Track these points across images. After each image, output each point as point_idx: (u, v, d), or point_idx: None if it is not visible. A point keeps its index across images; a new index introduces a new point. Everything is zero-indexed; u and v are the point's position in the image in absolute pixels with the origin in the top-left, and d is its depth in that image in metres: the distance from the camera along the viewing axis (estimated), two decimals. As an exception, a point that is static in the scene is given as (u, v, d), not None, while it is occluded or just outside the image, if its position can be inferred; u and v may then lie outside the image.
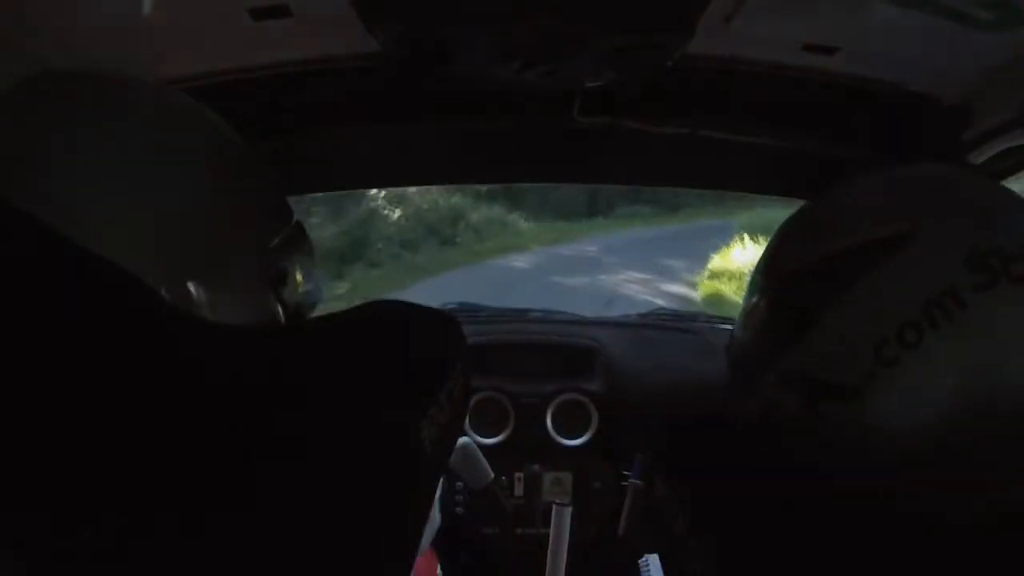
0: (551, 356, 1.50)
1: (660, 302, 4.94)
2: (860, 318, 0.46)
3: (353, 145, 1.16)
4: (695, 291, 7.37)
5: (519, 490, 1.39)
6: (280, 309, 0.54)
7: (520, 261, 8.53)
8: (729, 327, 1.70)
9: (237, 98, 0.91)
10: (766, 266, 0.55)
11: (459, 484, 1.36)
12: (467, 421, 1.39)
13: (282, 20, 0.77)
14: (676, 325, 1.73)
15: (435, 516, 0.82)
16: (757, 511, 0.43)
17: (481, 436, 1.38)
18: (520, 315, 1.75)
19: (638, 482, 1.33)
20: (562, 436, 1.41)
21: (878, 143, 1.04)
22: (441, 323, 0.55)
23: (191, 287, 0.46)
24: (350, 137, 1.11)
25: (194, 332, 0.43)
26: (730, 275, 7.15)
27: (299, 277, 0.56)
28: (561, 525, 1.06)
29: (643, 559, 1.23)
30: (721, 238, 8.01)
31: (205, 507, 0.34)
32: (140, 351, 0.38)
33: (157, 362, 0.38)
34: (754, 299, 0.55)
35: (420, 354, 0.50)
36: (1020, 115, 0.81)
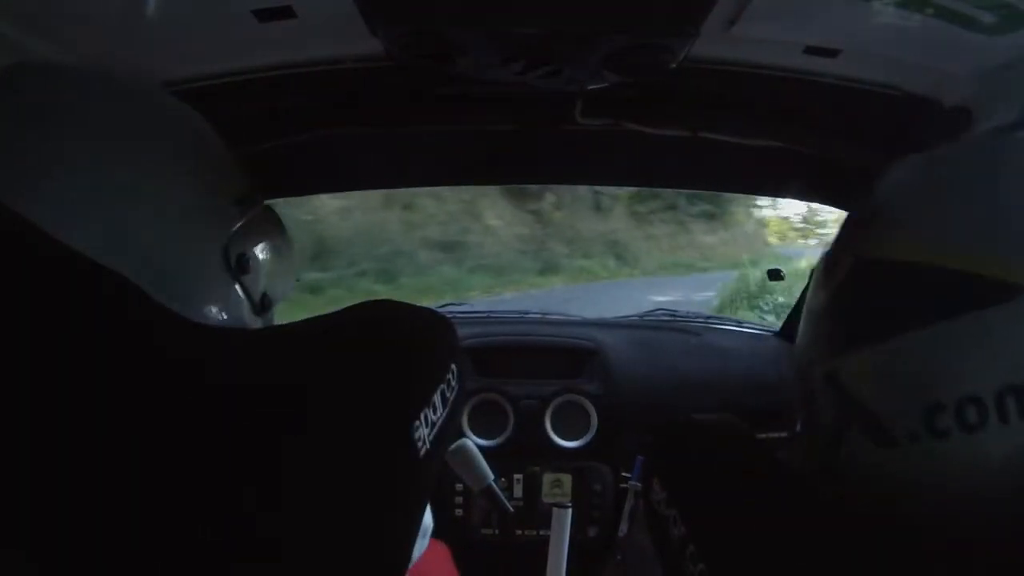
0: (550, 357, 1.50)
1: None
2: (923, 364, 0.39)
3: (357, 146, 1.16)
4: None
5: (519, 492, 1.39)
6: (245, 297, 0.54)
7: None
8: (729, 327, 1.72)
9: (241, 99, 0.91)
10: (861, 232, 0.46)
11: (458, 486, 1.36)
12: (467, 423, 1.39)
13: (286, 22, 0.78)
14: (676, 325, 1.73)
15: (427, 520, 0.82)
16: (754, 515, 0.43)
17: (480, 438, 1.38)
18: (519, 316, 1.75)
19: (638, 484, 1.33)
20: (562, 438, 1.41)
21: (879, 145, 1.04)
22: (435, 322, 0.55)
23: (150, 279, 0.45)
24: (354, 138, 1.12)
25: (183, 333, 0.43)
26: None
27: (264, 264, 0.56)
28: (561, 527, 1.06)
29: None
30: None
31: (201, 507, 0.34)
32: (128, 352, 0.38)
33: (146, 363, 0.38)
34: (836, 261, 0.46)
35: (413, 354, 0.50)
36: (1021, 118, 0.81)
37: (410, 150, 1.21)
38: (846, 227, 0.48)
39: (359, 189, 1.47)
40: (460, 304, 1.77)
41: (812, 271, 0.53)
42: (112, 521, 0.33)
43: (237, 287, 0.53)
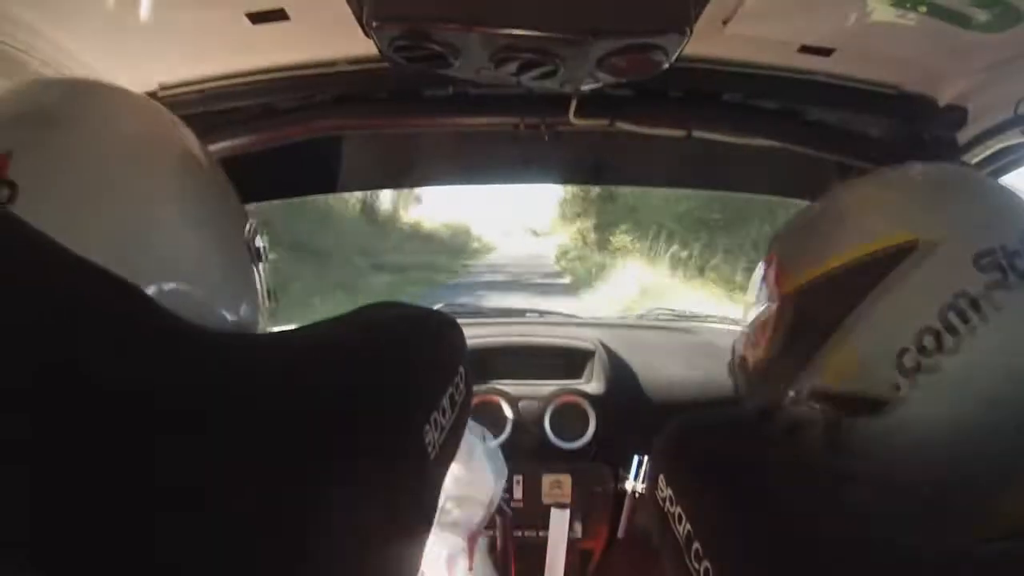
0: (549, 358, 1.49)
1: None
2: (877, 330, 0.46)
3: (351, 147, 1.16)
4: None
5: (518, 493, 1.39)
6: (262, 286, 0.56)
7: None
8: (727, 327, 1.72)
9: (236, 101, 0.91)
10: (774, 278, 0.55)
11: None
12: (465, 423, 1.39)
13: (280, 24, 0.77)
14: (674, 325, 1.73)
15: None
16: (759, 513, 0.43)
17: (479, 439, 1.37)
18: (517, 316, 1.75)
19: (637, 484, 1.33)
20: (560, 439, 1.41)
21: (873, 144, 1.04)
22: (443, 326, 0.54)
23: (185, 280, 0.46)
24: (349, 139, 1.11)
25: (199, 340, 0.43)
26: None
27: (268, 256, 0.59)
28: (559, 527, 1.06)
29: None
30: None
31: (223, 501, 0.34)
32: (142, 356, 0.37)
33: (159, 366, 0.37)
34: (763, 313, 0.55)
35: (423, 358, 0.50)
36: (1015, 115, 0.82)
37: (405, 151, 1.21)
38: (771, 284, 0.56)
39: (354, 190, 1.47)
40: (455, 304, 1.76)
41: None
42: (116, 515, 0.32)
43: (258, 277, 0.56)
